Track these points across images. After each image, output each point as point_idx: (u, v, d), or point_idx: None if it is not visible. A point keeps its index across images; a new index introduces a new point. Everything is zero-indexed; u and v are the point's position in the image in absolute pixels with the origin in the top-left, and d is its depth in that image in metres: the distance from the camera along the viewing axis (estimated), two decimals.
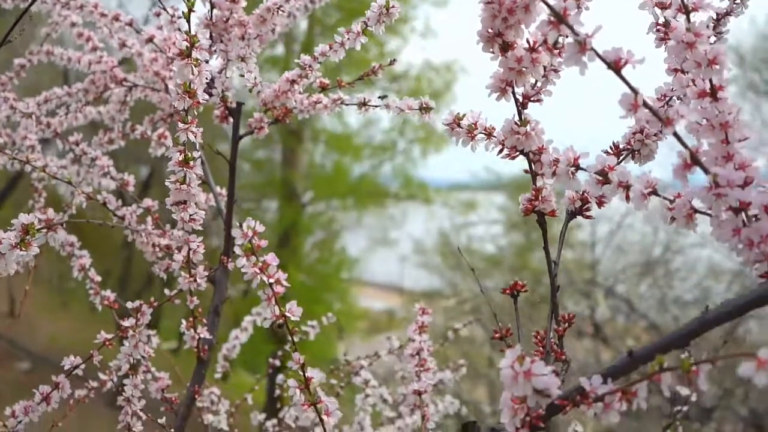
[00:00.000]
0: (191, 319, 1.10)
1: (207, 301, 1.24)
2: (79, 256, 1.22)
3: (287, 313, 0.75)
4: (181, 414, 1.14)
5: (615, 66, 0.59)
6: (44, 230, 0.82)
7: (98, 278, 1.21)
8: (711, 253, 6.62)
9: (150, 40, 1.22)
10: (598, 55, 0.59)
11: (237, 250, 0.73)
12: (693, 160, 0.60)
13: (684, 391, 1.22)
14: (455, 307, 7.22)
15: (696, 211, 0.64)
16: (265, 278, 0.73)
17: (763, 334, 5.95)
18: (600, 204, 0.80)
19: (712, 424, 5.16)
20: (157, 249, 1.19)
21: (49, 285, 7.93)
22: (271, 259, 0.74)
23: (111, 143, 1.35)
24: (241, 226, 0.72)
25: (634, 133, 0.80)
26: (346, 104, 1.13)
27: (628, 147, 0.80)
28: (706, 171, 0.60)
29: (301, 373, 0.77)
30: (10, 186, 6.41)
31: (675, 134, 0.60)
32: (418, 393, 1.09)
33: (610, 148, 0.81)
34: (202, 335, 1.10)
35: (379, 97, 1.13)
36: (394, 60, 1.16)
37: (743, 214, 0.61)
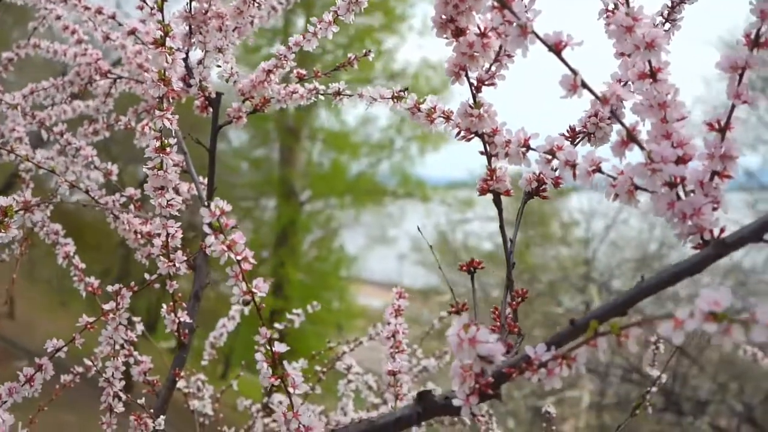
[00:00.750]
0: (171, 303, 1.13)
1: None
2: (63, 243, 1.26)
3: (254, 290, 0.78)
4: (162, 396, 1.18)
5: (555, 48, 0.62)
6: (21, 212, 0.85)
7: (82, 265, 1.24)
8: None
9: (132, 32, 1.25)
10: (539, 38, 0.62)
11: (206, 228, 0.76)
12: (630, 137, 0.63)
13: (654, 372, 1.25)
14: (450, 302, 7.26)
15: (637, 187, 0.67)
16: (232, 255, 0.76)
17: None
18: (556, 185, 0.83)
19: (706, 418, 5.19)
20: (139, 236, 1.23)
21: (48, 285, 7.96)
22: (239, 237, 0.77)
23: (96, 134, 1.38)
24: (209, 205, 0.74)
25: (589, 117, 0.83)
26: (322, 94, 1.16)
27: (584, 130, 0.83)
28: (642, 148, 0.63)
29: (268, 347, 0.79)
30: (8, 185, 6.46)
31: (612, 113, 0.63)
32: (393, 373, 1.12)
33: (567, 131, 0.84)
34: (182, 319, 1.13)
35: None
36: (369, 51, 1.19)
37: (680, 188, 0.64)
